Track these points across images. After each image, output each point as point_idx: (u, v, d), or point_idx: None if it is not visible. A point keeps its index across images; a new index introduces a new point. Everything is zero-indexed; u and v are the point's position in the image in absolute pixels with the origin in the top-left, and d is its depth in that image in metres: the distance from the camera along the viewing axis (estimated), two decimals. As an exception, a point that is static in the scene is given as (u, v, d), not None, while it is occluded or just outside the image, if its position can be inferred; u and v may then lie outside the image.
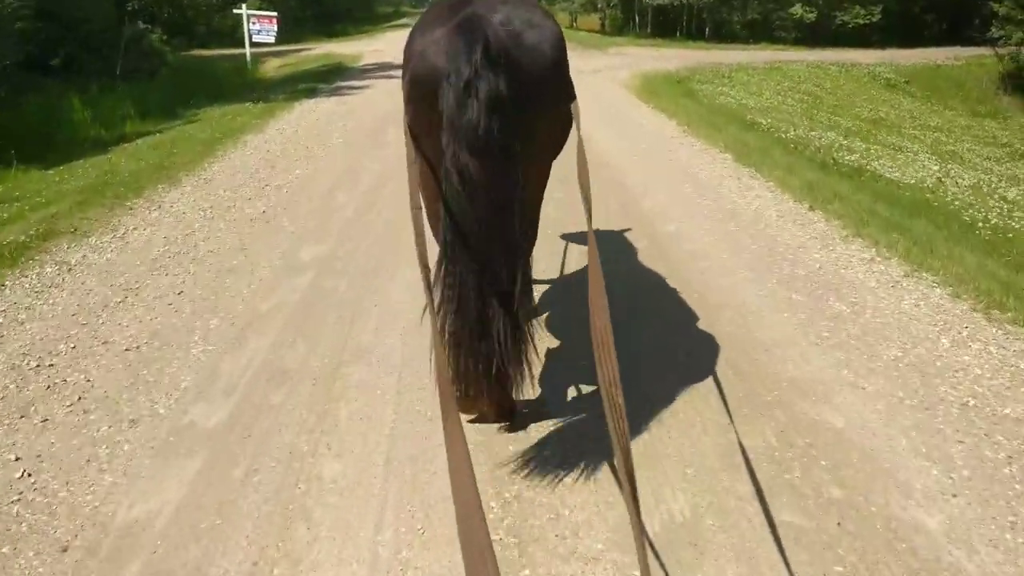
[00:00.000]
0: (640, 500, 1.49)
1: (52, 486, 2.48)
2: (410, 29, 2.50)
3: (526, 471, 2.49)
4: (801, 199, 5.84)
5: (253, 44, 17.55)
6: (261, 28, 17.95)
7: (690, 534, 2.21)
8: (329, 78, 15.14)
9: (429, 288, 1.92)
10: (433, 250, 2.20)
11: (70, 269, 4.57)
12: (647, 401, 2.93)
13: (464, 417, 2.66)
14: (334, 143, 8.32)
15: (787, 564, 2.06)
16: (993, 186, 8.08)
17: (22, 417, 2.89)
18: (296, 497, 2.41)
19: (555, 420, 2.78)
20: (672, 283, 4.14)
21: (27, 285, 4.26)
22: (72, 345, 3.50)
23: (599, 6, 39.83)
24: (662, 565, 2.07)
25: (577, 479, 2.46)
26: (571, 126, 2.49)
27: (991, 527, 2.23)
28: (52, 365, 3.31)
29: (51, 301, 4.07)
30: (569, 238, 4.92)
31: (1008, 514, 2.28)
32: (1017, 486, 2.42)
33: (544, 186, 2.69)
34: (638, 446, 2.62)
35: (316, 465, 2.57)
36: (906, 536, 2.19)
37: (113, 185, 6.67)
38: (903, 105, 17.28)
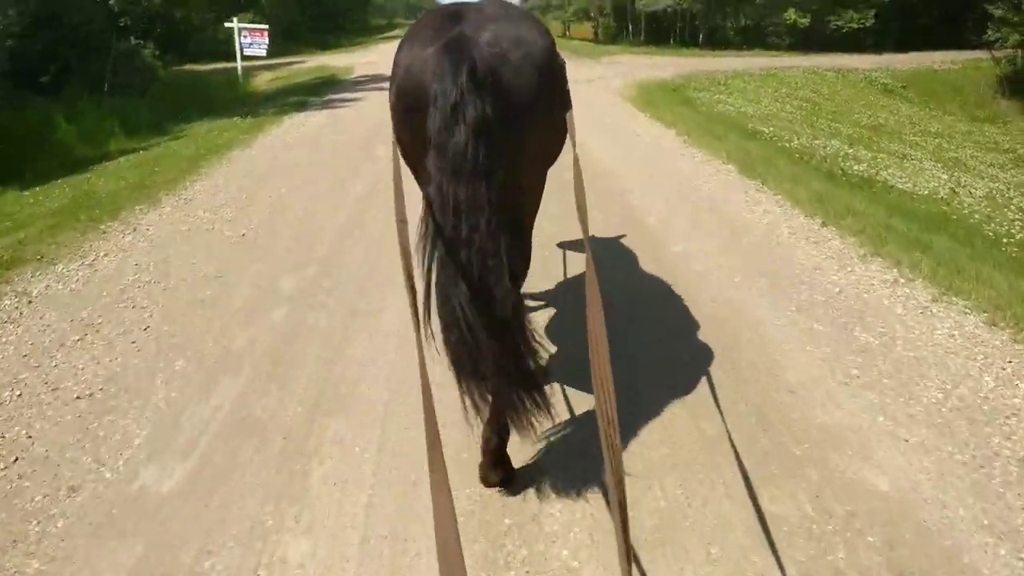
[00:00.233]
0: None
1: (-29, 575, 2.13)
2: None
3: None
4: (812, 214, 5.51)
5: (245, 58, 17.30)
6: (252, 41, 17.71)
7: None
8: (321, 91, 14.84)
9: (415, 305, 1.80)
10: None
11: (30, 301, 4.23)
12: (660, 457, 2.59)
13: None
14: (322, 159, 7.99)
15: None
16: (1008, 196, 7.77)
17: (-51, 485, 2.54)
18: (256, 587, 2.06)
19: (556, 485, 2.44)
20: (682, 313, 3.80)
21: (-21, 322, 3.91)
22: (18, 393, 3.15)
23: (592, 15, 39.73)
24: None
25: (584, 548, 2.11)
26: (566, 133, 2.43)
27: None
28: (-8, 418, 2.96)
29: (3, 340, 3.72)
30: (567, 246, 4.63)
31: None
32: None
33: (539, 196, 2.59)
34: (652, 516, 2.27)
35: (281, 544, 2.22)
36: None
37: (89, 207, 6.34)
38: (902, 111, 17.02)
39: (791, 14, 29.10)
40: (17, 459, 2.66)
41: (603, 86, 14.62)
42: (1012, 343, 3.40)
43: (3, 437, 2.81)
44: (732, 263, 4.53)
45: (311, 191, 6.56)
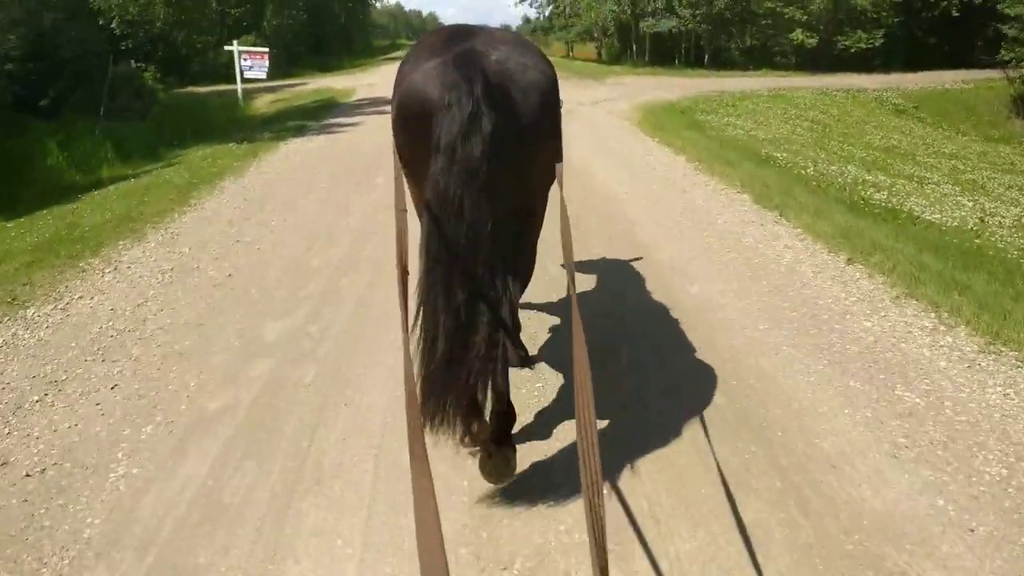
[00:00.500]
0: None
1: None
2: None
3: None
4: (836, 249, 5.17)
5: (245, 80, 17.15)
6: (252, 64, 17.60)
7: None
8: (319, 114, 14.61)
9: (405, 296, 1.82)
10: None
11: (-7, 353, 3.90)
12: (690, 551, 2.23)
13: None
14: (317, 188, 7.68)
15: None
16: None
17: None
18: None
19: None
20: (703, 367, 3.44)
21: (-67, 379, 3.58)
22: (-38, 470, 2.81)
23: (595, 35, 39.72)
24: None
25: None
26: (560, 159, 2.42)
27: None
28: (-72, 503, 2.62)
29: (-44, 401, 3.38)
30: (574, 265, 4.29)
31: None
32: None
33: (542, 213, 2.61)
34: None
35: None
36: None
37: (70, 241, 6.04)
38: (915, 131, 16.74)
39: (798, 34, 28.95)
40: (-55, 559, 2.32)
41: (608, 108, 14.34)
42: (1078, 406, 3.04)
43: (-65, 528, 2.46)
44: (753, 307, 4.17)
45: (304, 225, 6.24)
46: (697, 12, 30.81)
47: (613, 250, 5.22)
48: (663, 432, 2.88)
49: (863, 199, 6.92)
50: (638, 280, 4.64)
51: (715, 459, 2.69)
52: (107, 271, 5.23)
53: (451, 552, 2.19)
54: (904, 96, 20.53)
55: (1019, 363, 3.41)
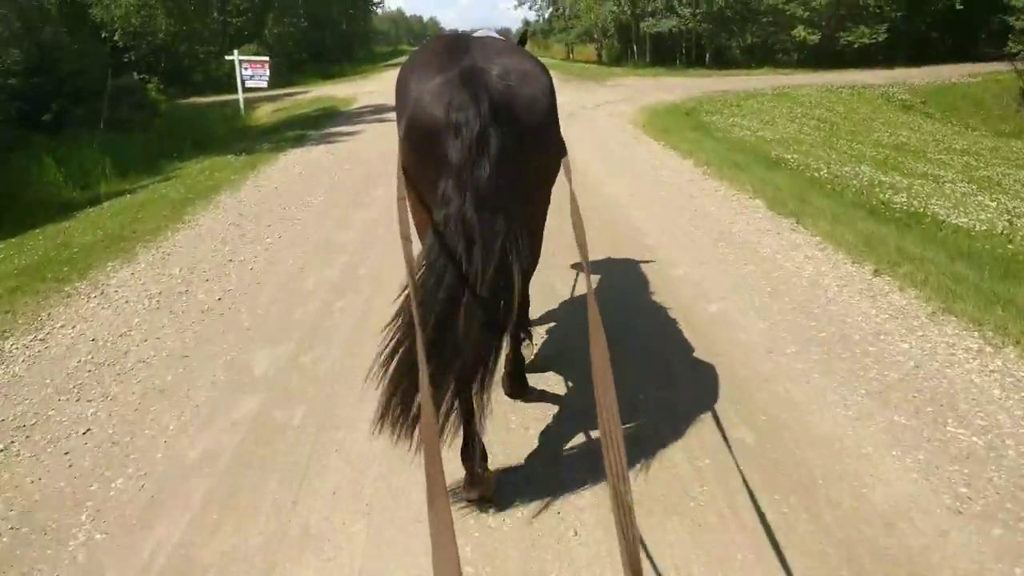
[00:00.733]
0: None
1: None
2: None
3: None
4: (861, 260, 4.85)
5: (247, 89, 16.94)
6: (253, 73, 17.38)
7: None
8: (320, 123, 14.36)
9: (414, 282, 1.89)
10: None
11: (-39, 395, 3.62)
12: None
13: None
14: (315, 202, 7.40)
15: None
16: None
17: None
18: None
19: None
20: (729, 400, 3.14)
21: None
22: (-90, 537, 2.52)
23: (595, 37, 39.42)
24: None
25: None
26: (564, 153, 2.48)
27: None
28: None
29: (-85, 452, 3.10)
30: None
31: None
32: None
33: (546, 207, 2.72)
34: None
35: None
36: None
37: (59, 263, 5.78)
38: (923, 127, 16.36)
39: (800, 31, 28.59)
40: None
41: (610, 111, 14.03)
42: None
43: None
44: (778, 327, 3.86)
45: (299, 241, 5.96)
46: (697, 11, 30.49)
47: (623, 258, 4.93)
48: (688, 482, 2.58)
49: (883, 203, 6.59)
50: (652, 296, 4.34)
51: (750, 515, 2.39)
52: (93, 296, 4.97)
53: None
54: (910, 91, 20.15)
55: (1079, 390, 3.10)
